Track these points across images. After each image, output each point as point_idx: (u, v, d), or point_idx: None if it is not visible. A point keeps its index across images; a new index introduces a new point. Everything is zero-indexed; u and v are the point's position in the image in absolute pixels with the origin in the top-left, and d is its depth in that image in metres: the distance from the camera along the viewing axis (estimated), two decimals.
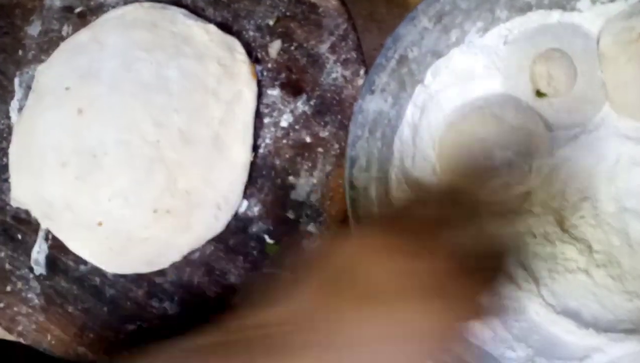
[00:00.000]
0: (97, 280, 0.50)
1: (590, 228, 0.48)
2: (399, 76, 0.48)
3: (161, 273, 0.49)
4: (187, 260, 0.49)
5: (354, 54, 0.50)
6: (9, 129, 0.54)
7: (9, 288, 0.52)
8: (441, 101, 0.51)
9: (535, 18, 0.51)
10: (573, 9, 0.50)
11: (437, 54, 0.50)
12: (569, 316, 0.46)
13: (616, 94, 0.49)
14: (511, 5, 0.49)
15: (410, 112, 0.50)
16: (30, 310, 0.51)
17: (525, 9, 0.50)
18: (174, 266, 0.49)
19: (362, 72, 0.50)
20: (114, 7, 0.55)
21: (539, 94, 0.49)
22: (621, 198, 0.48)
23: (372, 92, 0.46)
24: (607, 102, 0.49)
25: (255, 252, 0.48)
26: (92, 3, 0.55)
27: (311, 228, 0.48)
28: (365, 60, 0.51)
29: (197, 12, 0.53)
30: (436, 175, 0.50)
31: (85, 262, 0.51)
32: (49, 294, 0.51)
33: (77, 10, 0.56)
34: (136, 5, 0.53)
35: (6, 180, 0.53)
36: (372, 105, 0.46)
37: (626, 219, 0.47)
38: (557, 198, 0.49)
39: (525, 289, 0.47)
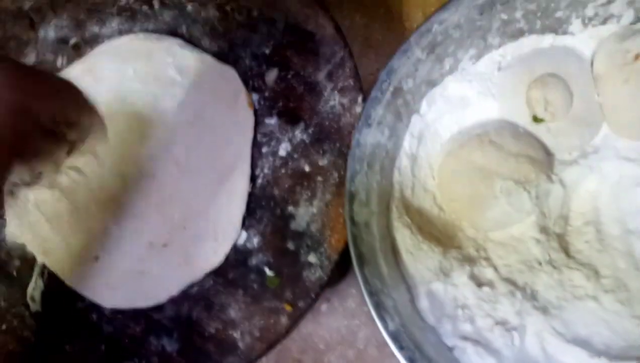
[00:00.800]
0: (94, 316, 0.49)
1: (596, 252, 0.48)
2: (394, 108, 0.47)
3: (159, 308, 0.48)
4: (185, 294, 0.48)
5: (351, 82, 0.49)
6: None
7: (4, 326, 0.51)
8: (438, 129, 0.51)
9: (528, 43, 0.51)
10: (565, 32, 0.50)
11: (432, 83, 0.50)
12: (580, 345, 0.45)
13: (614, 115, 0.49)
14: (503, 32, 0.50)
15: (407, 142, 0.50)
16: (26, 349, 0.50)
17: (518, 34, 0.50)
18: (172, 301, 0.48)
19: (359, 99, 0.49)
20: (109, 38, 0.54)
21: (536, 119, 0.49)
22: (625, 219, 0.48)
23: (369, 125, 0.46)
24: (605, 124, 0.49)
25: (255, 285, 0.47)
26: (86, 34, 0.55)
27: (312, 258, 0.47)
28: (363, 86, 0.50)
29: (193, 42, 0.53)
30: (437, 205, 0.49)
31: (82, 298, 0.50)
32: (45, 332, 0.50)
33: (72, 42, 0.55)
34: (131, 36, 0.53)
35: (1, 216, 0.52)
36: (369, 138, 0.46)
37: (631, 241, 0.47)
38: (560, 223, 0.49)
39: (534, 319, 0.46)
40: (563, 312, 0.46)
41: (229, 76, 0.51)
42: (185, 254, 0.48)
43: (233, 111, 0.50)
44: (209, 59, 0.51)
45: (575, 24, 0.50)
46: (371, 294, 0.43)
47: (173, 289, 0.48)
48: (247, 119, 0.50)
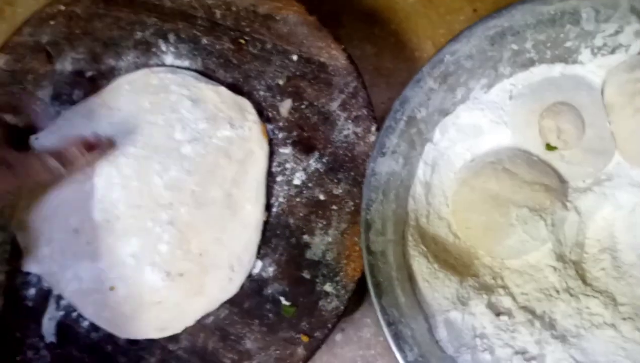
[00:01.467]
0: (109, 347, 0.49)
1: (613, 280, 0.47)
2: (408, 136, 0.48)
3: (174, 339, 0.48)
4: (200, 324, 0.48)
5: (364, 111, 0.50)
6: None
7: (18, 358, 0.50)
8: (451, 157, 0.51)
9: (538, 72, 0.52)
10: (575, 61, 0.51)
11: (444, 112, 0.51)
12: None
13: (626, 144, 0.49)
14: (514, 62, 0.50)
15: (421, 170, 0.50)
16: None
17: (528, 64, 0.51)
18: (188, 332, 0.48)
19: (373, 128, 0.50)
20: (125, 71, 0.55)
21: (549, 147, 0.49)
22: None
23: (383, 154, 0.46)
24: (617, 152, 0.49)
25: (271, 315, 0.47)
26: (103, 67, 0.56)
27: (328, 287, 0.47)
28: (376, 115, 0.51)
29: (207, 75, 0.54)
30: (452, 232, 0.49)
31: (97, 329, 0.49)
32: None
33: (88, 74, 0.57)
34: (146, 70, 0.54)
35: (17, 246, 0.52)
36: (384, 167, 0.46)
37: None
38: (577, 250, 0.49)
39: (553, 348, 0.45)
40: (582, 341, 0.46)
41: (244, 106, 0.51)
42: (201, 283, 0.48)
43: (247, 141, 0.50)
44: (223, 90, 0.52)
45: (585, 54, 0.50)
46: (389, 324, 0.43)
47: (189, 319, 0.48)
48: (262, 149, 0.50)
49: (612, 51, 0.50)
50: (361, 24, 0.62)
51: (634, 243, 0.48)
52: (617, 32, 0.48)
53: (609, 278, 0.48)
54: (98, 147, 0.49)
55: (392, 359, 0.55)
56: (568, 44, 0.50)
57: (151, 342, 0.48)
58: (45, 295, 0.52)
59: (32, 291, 0.52)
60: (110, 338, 0.49)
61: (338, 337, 0.56)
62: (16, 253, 0.52)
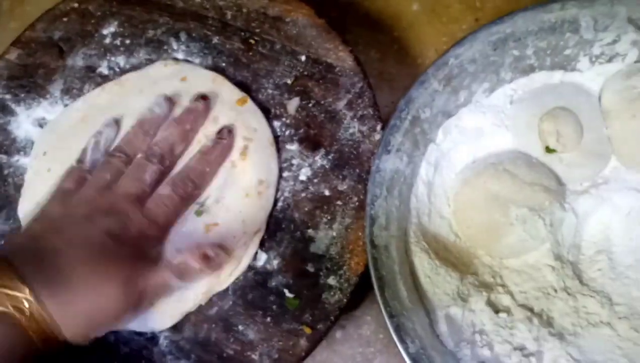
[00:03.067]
0: (112, 337, 0.49)
1: (609, 280, 0.49)
2: (412, 136, 0.49)
3: (177, 329, 0.48)
4: (204, 315, 0.48)
5: (370, 111, 0.51)
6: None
7: None
8: (453, 158, 0.52)
9: (539, 78, 0.53)
10: (574, 69, 0.53)
11: (447, 114, 0.52)
12: None
13: (622, 148, 0.51)
14: (515, 67, 0.52)
15: (424, 170, 0.51)
16: None
17: (529, 70, 0.53)
18: (191, 322, 0.48)
19: (378, 127, 0.51)
20: (135, 68, 0.57)
21: (549, 150, 0.51)
22: (637, 249, 0.49)
23: (388, 152, 0.47)
24: (614, 156, 0.51)
25: (274, 307, 0.48)
26: (113, 64, 0.57)
27: (331, 281, 0.48)
28: (381, 115, 0.52)
29: (217, 72, 0.55)
30: (453, 232, 0.51)
31: None
32: (61, 352, 0.49)
33: (99, 70, 0.58)
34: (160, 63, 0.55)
35: None
36: (388, 164, 0.47)
37: None
38: (574, 251, 0.50)
39: (550, 345, 0.46)
40: (579, 339, 0.46)
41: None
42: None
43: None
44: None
45: (583, 62, 0.52)
46: (392, 316, 0.43)
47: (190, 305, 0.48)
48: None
49: (610, 60, 0.52)
50: (366, 30, 0.64)
51: (630, 245, 0.49)
52: (614, 41, 0.50)
53: (606, 278, 0.49)
54: (214, 261, 0.46)
55: (391, 356, 0.55)
56: (567, 51, 0.51)
57: (154, 332, 0.49)
58: None
59: None
60: None
61: (338, 334, 0.56)
62: None
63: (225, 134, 0.50)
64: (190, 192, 0.48)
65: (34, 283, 0.39)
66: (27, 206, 0.52)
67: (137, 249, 0.44)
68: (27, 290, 0.38)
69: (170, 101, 0.52)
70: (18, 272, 0.39)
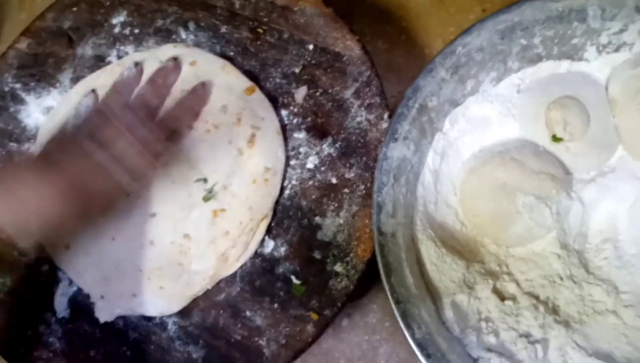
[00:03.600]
0: (121, 322, 0.50)
1: (615, 269, 0.49)
2: (419, 124, 0.49)
3: (186, 315, 0.49)
4: (212, 301, 0.49)
5: (377, 99, 0.52)
6: None
7: (29, 332, 0.51)
8: (460, 147, 0.53)
9: (546, 68, 0.53)
10: (581, 58, 0.53)
11: (454, 103, 0.52)
12: (602, 359, 0.45)
13: (629, 138, 0.51)
14: (522, 57, 0.52)
15: (431, 158, 0.52)
16: (51, 355, 0.50)
17: (536, 59, 0.53)
18: (199, 308, 0.49)
19: (385, 116, 0.51)
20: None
21: (555, 139, 0.51)
22: None
23: (396, 140, 0.48)
24: (621, 146, 0.51)
25: (282, 293, 0.48)
26: (122, 53, 0.58)
27: (338, 267, 0.48)
28: (388, 104, 0.53)
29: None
30: (459, 220, 0.51)
31: None
32: (70, 338, 0.50)
33: (108, 59, 0.58)
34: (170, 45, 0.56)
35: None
36: (395, 152, 0.48)
37: None
38: (580, 240, 0.50)
39: (556, 332, 0.46)
40: (584, 327, 0.47)
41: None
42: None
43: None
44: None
45: (590, 51, 0.52)
46: (398, 302, 0.44)
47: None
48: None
49: (617, 49, 0.52)
50: (374, 20, 0.64)
51: (636, 234, 0.49)
52: (621, 31, 0.50)
53: (611, 267, 0.49)
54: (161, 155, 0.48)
55: (396, 344, 0.56)
56: (574, 41, 0.51)
57: (163, 317, 0.49)
58: (57, 272, 0.52)
59: (45, 267, 0.53)
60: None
61: (345, 322, 0.56)
62: None
63: (200, 86, 0.52)
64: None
65: None
66: None
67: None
68: None
69: (139, 66, 0.54)
70: None
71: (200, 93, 0.52)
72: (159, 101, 0.52)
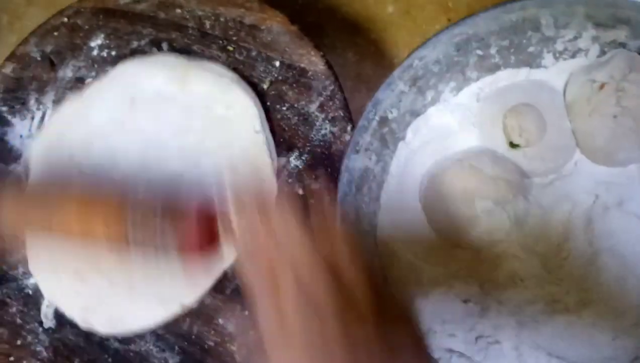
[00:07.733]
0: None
1: (574, 269, 0.50)
2: (380, 135, 0.51)
3: (162, 324, 0.51)
4: (188, 310, 0.51)
5: (341, 112, 0.54)
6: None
7: (19, 342, 0.54)
8: (422, 156, 0.54)
9: (504, 76, 0.55)
10: (539, 66, 0.54)
11: (415, 113, 0.54)
12: (558, 358, 0.47)
13: (585, 142, 0.52)
14: (480, 66, 0.54)
15: (394, 167, 0.54)
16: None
17: (494, 68, 0.54)
18: (175, 317, 0.52)
19: (349, 128, 0.53)
20: None
21: (512, 145, 0.53)
22: (599, 239, 0.50)
23: (357, 151, 0.50)
24: (578, 150, 0.53)
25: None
26: (101, 73, 0.61)
27: None
28: (353, 117, 0.55)
29: None
30: (423, 226, 0.53)
31: None
32: (56, 347, 0.53)
33: (88, 80, 0.61)
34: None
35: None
36: (357, 163, 0.50)
37: (605, 259, 0.49)
38: (540, 241, 0.51)
39: (515, 332, 0.48)
40: (543, 326, 0.48)
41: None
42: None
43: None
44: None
45: (547, 58, 0.54)
46: None
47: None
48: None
49: (573, 55, 0.53)
50: (344, 33, 0.66)
51: (593, 235, 0.51)
52: (575, 38, 0.52)
53: (571, 267, 0.50)
54: None
55: None
56: (531, 49, 0.53)
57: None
58: None
59: (32, 281, 0.56)
60: None
61: None
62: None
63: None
64: None
65: None
66: None
67: None
68: None
69: None
70: None
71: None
72: None
